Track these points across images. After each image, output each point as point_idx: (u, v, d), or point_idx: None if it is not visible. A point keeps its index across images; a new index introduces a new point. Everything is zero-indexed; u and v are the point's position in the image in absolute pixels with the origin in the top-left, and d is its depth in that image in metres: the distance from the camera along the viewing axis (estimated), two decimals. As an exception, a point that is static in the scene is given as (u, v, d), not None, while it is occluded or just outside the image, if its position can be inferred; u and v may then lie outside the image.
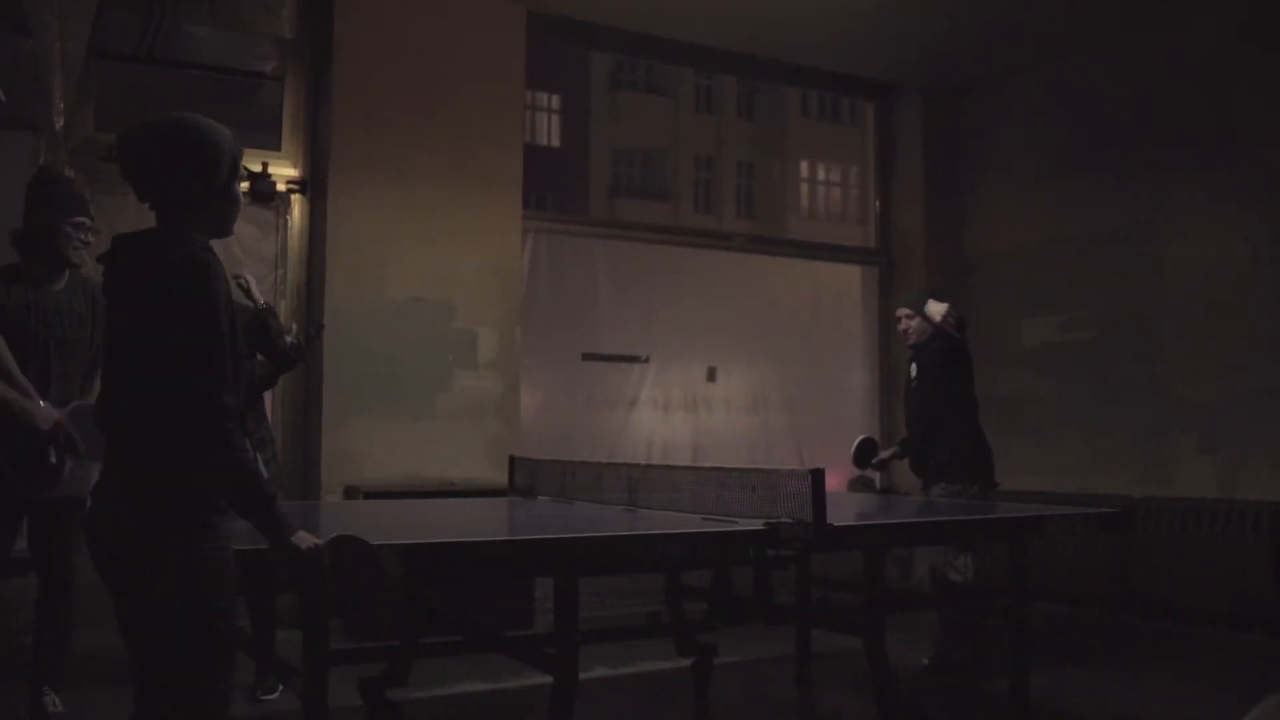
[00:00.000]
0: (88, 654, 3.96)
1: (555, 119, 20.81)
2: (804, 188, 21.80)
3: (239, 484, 2.05)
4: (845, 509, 3.83)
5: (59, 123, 4.99)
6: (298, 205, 6.08)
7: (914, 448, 5.06)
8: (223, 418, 2.02)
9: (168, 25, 5.25)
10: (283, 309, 5.80)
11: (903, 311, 5.12)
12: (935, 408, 4.91)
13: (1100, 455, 6.70)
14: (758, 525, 2.90)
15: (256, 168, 5.89)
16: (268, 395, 4.94)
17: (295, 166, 6.09)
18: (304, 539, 2.09)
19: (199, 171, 2.14)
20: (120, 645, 2.11)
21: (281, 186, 5.97)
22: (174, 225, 2.15)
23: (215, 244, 2.19)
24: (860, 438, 5.42)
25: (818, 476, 2.89)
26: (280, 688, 4.21)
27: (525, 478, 4.50)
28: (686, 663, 4.33)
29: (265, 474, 4.20)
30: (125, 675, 2.14)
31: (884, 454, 5.29)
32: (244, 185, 5.81)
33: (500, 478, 4.98)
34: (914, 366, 5.07)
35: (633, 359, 7.08)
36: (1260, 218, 6.03)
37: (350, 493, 5.55)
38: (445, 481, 5.79)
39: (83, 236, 3.79)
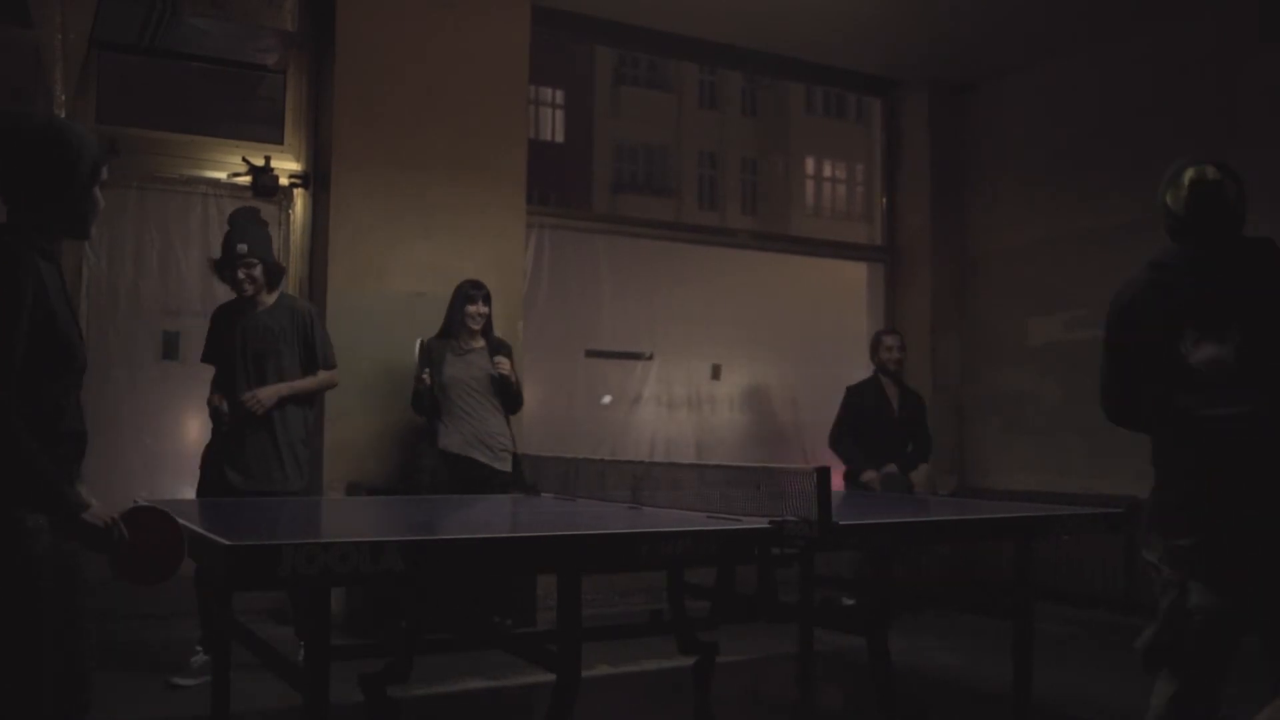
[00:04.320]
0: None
1: (559, 114, 20.80)
2: (809, 184, 21.78)
3: (9, 468, 2.00)
4: (850, 507, 3.81)
5: (60, 114, 4.97)
6: (300, 199, 6.06)
7: None
8: None
9: (169, 17, 5.22)
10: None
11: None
12: None
13: (1103, 454, 6.66)
14: (762, 523, 2.88)
15: (259, 161, 5.87)
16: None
17: (298, 160, 6.07)
18: (97, 515, 2.07)
19: (54, 171, 2.16)
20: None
21: (284, 180, 5.95)
22: (10, 221, 2.15)
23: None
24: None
25: (823, 474, 2.85)
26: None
27: (528, 474, 4.48)
28: (689, 661, 4.30)
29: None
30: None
31: None
32: (247, 179, 5.82)
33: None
34: None
35: (636, 356, 7.05)
36: (1265, 216, 5.97)
37: (353, 489, 5.52)
38: (447, 477, 5.75)
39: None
